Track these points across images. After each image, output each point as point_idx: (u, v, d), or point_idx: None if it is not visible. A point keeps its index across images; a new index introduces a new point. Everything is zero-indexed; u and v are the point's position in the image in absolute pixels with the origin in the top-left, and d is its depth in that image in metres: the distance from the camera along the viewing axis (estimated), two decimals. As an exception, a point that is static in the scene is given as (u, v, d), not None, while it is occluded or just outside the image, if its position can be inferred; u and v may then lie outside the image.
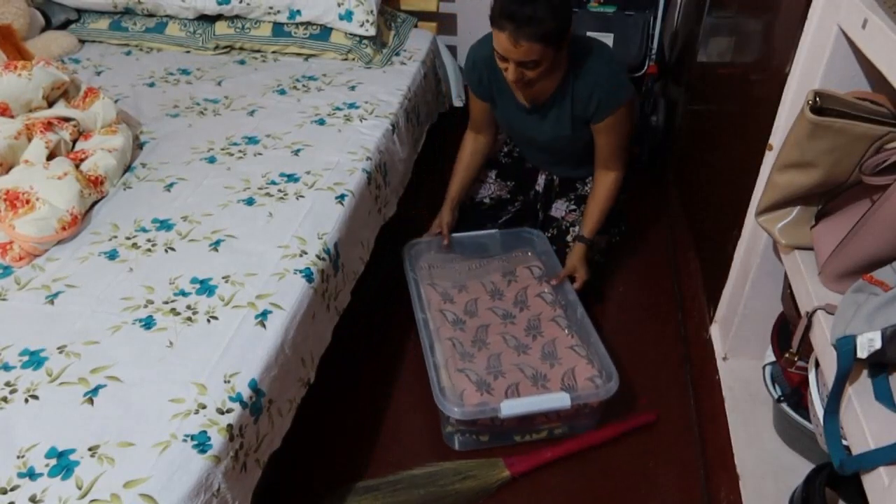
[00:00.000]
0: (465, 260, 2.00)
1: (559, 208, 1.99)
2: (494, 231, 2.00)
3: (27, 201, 1.45)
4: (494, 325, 1.79)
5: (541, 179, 2.05)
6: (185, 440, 1.04)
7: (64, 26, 2.50)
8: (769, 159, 1.20)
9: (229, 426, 1.08)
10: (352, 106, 2.02)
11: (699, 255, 1.94)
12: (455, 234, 1.97)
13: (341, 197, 1.62)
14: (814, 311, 0.98)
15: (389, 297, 2.03)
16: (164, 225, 1.52)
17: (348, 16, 2.25)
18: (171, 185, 1.66)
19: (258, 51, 2.40)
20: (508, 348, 1.72)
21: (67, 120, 1.73)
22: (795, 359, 1.05)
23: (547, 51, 1.54)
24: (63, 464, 1.01)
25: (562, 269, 1.84)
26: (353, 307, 1.62)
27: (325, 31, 2.33)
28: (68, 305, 1.30)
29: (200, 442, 1.04)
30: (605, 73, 1.69)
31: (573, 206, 1.97)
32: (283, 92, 2.12)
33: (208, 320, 1.26)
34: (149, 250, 1.44)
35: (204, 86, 2.17)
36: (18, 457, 1.02)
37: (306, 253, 1.44)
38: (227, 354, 1.19)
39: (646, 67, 2.37)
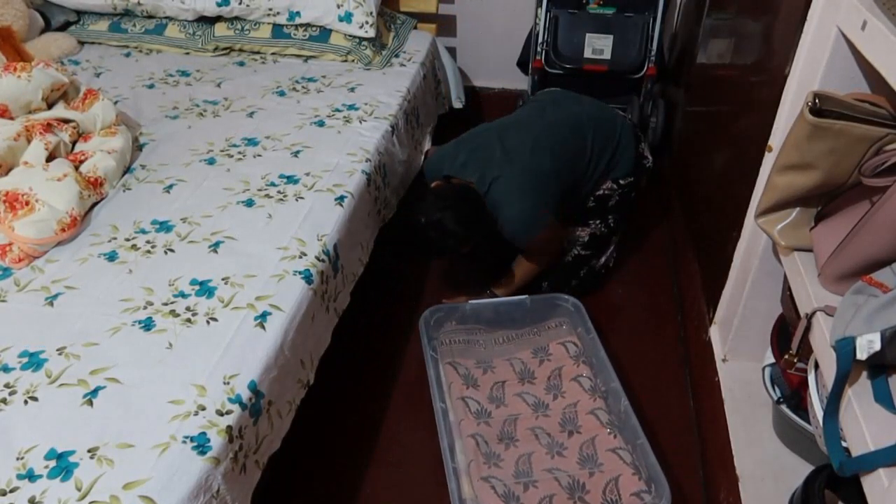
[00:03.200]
0: (489, 332, 1.80)
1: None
2: (524, 298, 1.81)
3: (27, 203, 1.45)
4: (524, 416, 1.58)
5: None
6: (184, 442, 1.04)
7: (63, 28, 2.50)
8: (769, 160, 1.20)
9: (229, 427, 1.08)
10: (351, 107, 2.02)
11: (699, 257, 1.94)
12: (478, 301, 1.81)
13: (341, 198, 1.62)
14: (813, 313, 0.98)
15: (389, 297, 2.03)
16: (164, 226, 1.52)
17: (348, 17, 2.25)
18: (171, 186, 1.66)
19: (258, 52, 2.40)
20: (540, 447, 1.51)
21: (67, 121, 1.73)
22: (795, 360, 1.05)
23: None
24: (62, 465, 1.01)
25: (601, 347, 1.67)
26: (352, 308, 1.62)
27: (325, 33, 2.33)
28: (68, 307, 1.30)
29: (200, 443, 1.04)
30: (514, 206, 1.72)
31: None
32: (282, 93, 2.12)
33: (208, 322, 1.26)
34: (148, 252, 1.44)
35: (203, 87, 2.17)
36: (18, 458, 1.02)
37: (306, 254, 1.44)
38: (227, 356, 1.19)
39: (645, 69, 2.37)
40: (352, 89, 2.15)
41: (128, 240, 1.48)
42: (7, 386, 1.14)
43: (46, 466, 1.01)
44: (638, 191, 1.98)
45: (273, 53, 2.39)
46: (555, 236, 1.83)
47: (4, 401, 1.11)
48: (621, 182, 1.89)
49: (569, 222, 1.95)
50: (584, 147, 1.80)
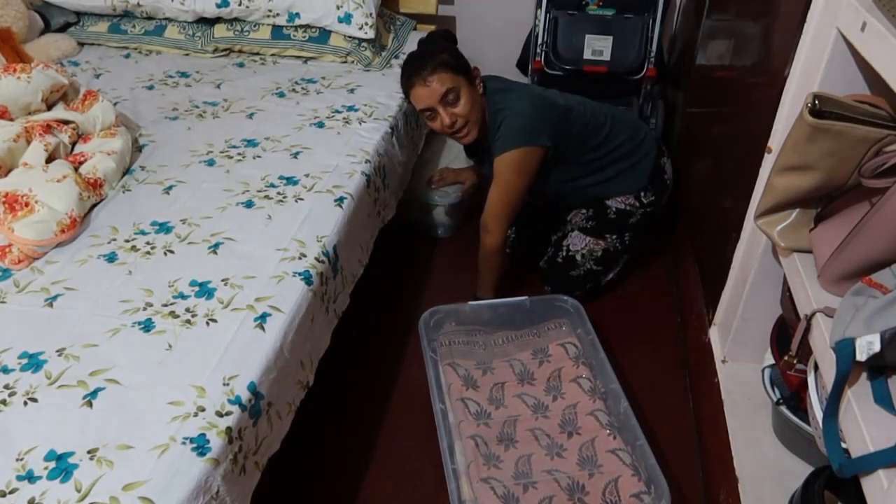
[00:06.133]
0: (489, 333, 1.80)
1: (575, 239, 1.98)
2: (524, 299, 1.80)
3: (26, 204, 1.45)
4: (524, 418, 1.58)
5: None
6: (184, 443, 1.04)
7: (63, 29, 2.50)
8: (768, 162, 1.20)
9: (228, 429, 1.08)
10: (351, 108, 2.03)
11: (698, 258, 1.94)
12: (478, 303, 1.81)
13: (340, 200, 1.62)
14: (813, 314, 0.98)
15: (389, 298, 2.03)
16: (163, 228, 1.52)
17: (347, 18, 2.26)
18: (170, 187, 1.66)
19: (257, 53, 2.41)
20: (540, 448, 1.51)
21: (66, 123, 1.73)
22: (794, 362, 1.05)
23: (457, 77, 1.67)
24: (62, 466, 1.01)
25: (601, 348, 1.65)
26: (352, 309, 1.62)
27: (324, 34, 2.33)
28: (67, 308, 1.30)
29: (199, 445, 1.04)
30: (517, 109, 1.69)
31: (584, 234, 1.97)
32: (281, 95, 2.12)
33: (207, 323, 1.26)
34: (148, 253, 1.44)
35: (203, 88, 2.17)
36: (17, 459, 1.02)
37: (305, 256, 1.44)
38: (226, 357, 1.19)
39: (645, 70, 2.37)
40: (351, 90, 2.15)
41: (127, 241, 1.48)
42: (6, 387, 1.13)
43: (46, 468, 1.01)
44: (658, 214, 1.97)
45: (272, 55, 2.39)
46: (527, 172, 1.71)
47: (4, 402, 1.11)
48: (643, 199, 1.89)
49: (548, 205, 2.01)
50: (602, 125, 1.81)
